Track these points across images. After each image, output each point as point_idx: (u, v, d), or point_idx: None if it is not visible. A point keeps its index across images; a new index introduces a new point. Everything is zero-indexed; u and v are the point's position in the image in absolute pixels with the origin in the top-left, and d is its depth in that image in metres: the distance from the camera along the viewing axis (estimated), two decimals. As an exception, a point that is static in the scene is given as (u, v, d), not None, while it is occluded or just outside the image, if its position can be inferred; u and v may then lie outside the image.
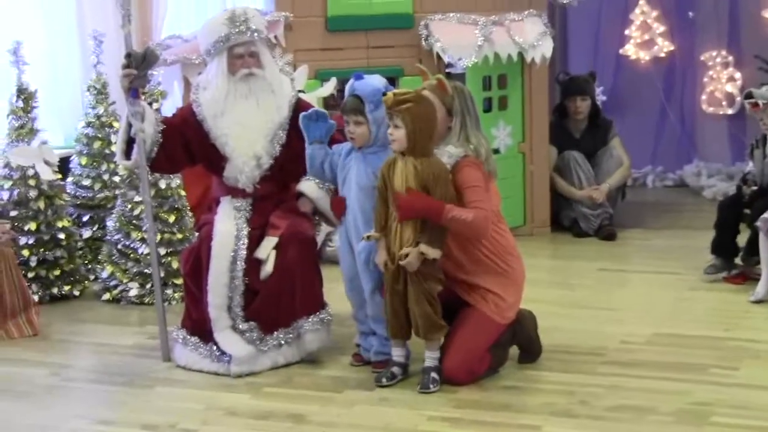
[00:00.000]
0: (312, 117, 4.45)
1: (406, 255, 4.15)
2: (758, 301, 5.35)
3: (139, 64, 4.58)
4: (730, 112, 8.35)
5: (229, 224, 4.62)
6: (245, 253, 4.58)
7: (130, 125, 4.64)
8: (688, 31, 8.45)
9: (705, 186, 8.12)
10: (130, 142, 4.69)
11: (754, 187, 5.71)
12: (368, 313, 4.48)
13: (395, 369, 4.36)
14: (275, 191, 4.74)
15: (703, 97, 8.43)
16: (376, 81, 4.45)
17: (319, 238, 6.00)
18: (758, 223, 5.38)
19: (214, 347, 4.56)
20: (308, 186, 4.75)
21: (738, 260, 5.76)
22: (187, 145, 4.72)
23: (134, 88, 4.60)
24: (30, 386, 4.49)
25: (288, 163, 4.71)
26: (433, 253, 4.14)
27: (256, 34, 4.66)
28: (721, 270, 5.74)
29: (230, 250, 4.57)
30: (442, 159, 4.26)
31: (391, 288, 4.26)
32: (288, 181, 4.81)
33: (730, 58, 8.33)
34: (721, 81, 8.36)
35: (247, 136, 4.63)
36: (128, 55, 4.60)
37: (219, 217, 4.66)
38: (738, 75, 8.28)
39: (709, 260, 5.79)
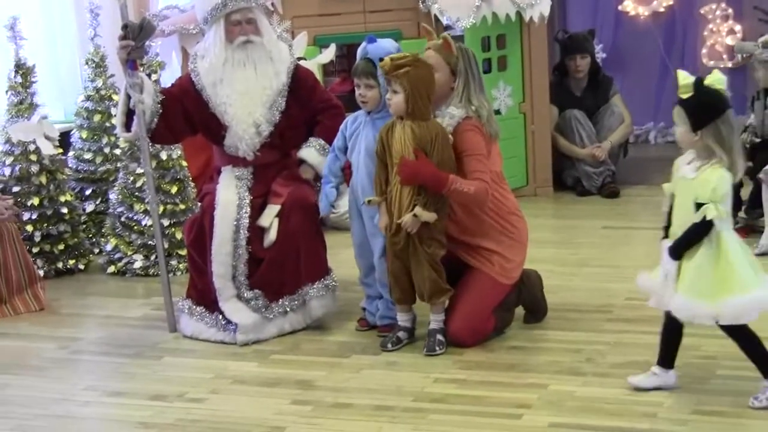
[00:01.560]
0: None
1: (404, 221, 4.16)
2: (763, 254, 5.35)
3: (136, 36, 4.56)
4: (730, 65, 8.31)
5: (231, 193, 4.62)
6: (248, 221, 4.58)
7: (129, 97, 4.63)
8: (687, -17, 8.41)
9: (707, 140, 8.09)
10: (129, 114, 4.68)
11: (756, 140, 5.70)
12: (376, 276, 4.49)
13: (401, 333, 4.37)
14: (276, 159, 4.74)
15: (704, 50, 8.39)
16: (389, 44, 4.43)
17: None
18: (761, 176, 5.38)
19: (220, 316, 4.58)
20: (309, 153, 4.74)
21: (741, 213, 5.76)
22: (187, 114, 4.71)
23: (132, 60, 4.59)
24: (40, 360, 4.52)
25: (288, 129, 4.71)
26: (428, 216, 4.14)
27: (253, 1, 4.63)
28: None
29: (233, 219, 4.57)
30: (444, 120, 4.25)
31: (392, 253, 4.27)
32: (289, 149, 4.80)
33: (730, 11, 8.28)
34: (722, 34, 8.31)
35: (245, 103, 4.61)
36: (125, 27, 4.58)
37: (221, 186, 4.66)
38: (738, 27, 8.23)
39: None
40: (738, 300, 3.50)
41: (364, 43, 4.44)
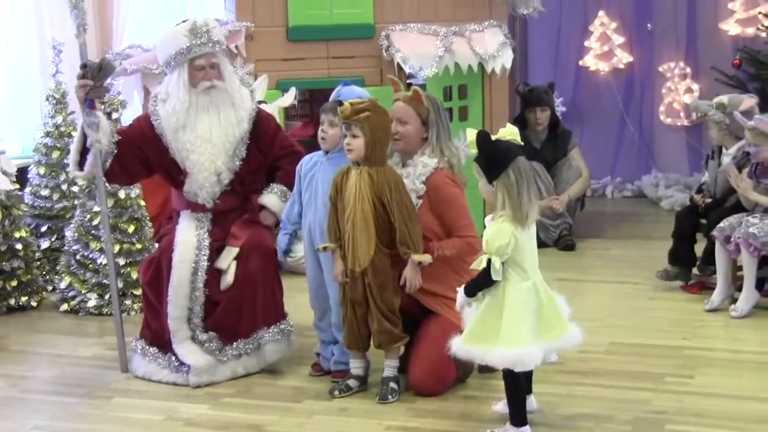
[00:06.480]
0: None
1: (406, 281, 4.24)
2: (713, 310, 5.41)
3: (95, 75, 4.52)
4: (687, 123, 8.45)
5: (190, 234, 4.61)
6: (206, 263, 4.56)
7: (85, 136, 4.60)
8: (646, 42, 8.55)
9: (663, 196, 8.20)
10: (83, 153, 4.65)
11: (708, 200, 5.76)
12: (333, 321, 4.48)
13: (351, 381, 4.36)
14: (236, 205, 4.72)
15: (662, 108, 8.52)
16: (361, 92, 4.50)
17: (280, 248, 6.00)
18: (714, 233, 5.45)
19: (173, 358, 4.54)
20: (270, 199, 4.74)
21: (695, 270, 5.82)
22: (143, 157, 4.68)
23: (90, 99, 4.55)
24: (-13, 398, 4.46)
25: (248, 176, 4.71)
26: (425, 258, 4.20)
27: (217, 45, 4.64)
28: (672, 276, 5.79)
29: (191, 261, 4.55)
30: (417, 169, 4.31)
31: (346, 300, 4.27)
32: (249, 194, 4.79)
33: (688, 70, 8.42)
34: (679, 92, 8.45)
35: (209, 150, 4.59)
36: (84, 66, 4.54)
37: (180, 227, 4.64)
38: (695, 86, 8.38)
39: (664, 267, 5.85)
40: (504, 352, 3.69)
41: (339, 87, 4.52)
